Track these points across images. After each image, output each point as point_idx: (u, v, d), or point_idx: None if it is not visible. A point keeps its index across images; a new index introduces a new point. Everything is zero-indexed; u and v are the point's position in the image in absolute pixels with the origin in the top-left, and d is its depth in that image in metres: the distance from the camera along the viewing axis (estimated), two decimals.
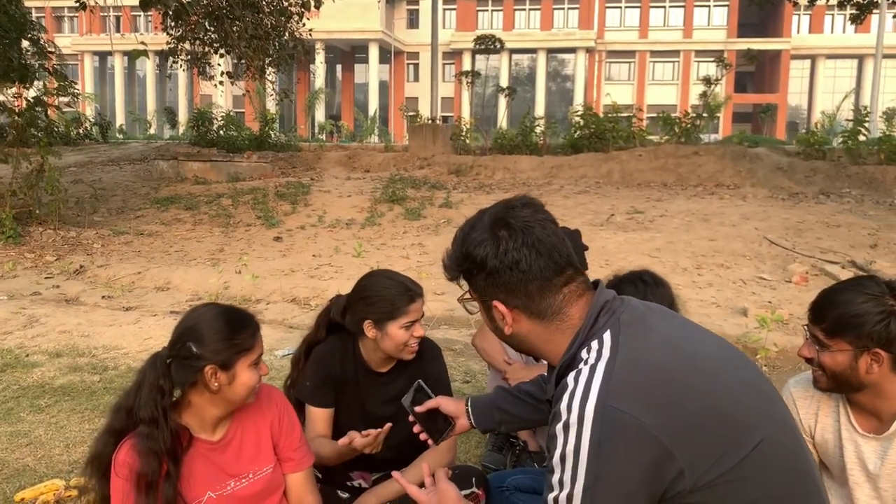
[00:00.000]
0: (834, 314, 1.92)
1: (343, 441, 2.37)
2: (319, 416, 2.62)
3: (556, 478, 1.38)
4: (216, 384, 1.95)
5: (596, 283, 1.59)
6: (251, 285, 7.07)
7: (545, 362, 3.27)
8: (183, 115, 38.58)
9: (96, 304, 6.86)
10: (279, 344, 5.36)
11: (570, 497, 1.36)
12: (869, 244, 8.67)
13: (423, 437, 2.13)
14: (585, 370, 1.41)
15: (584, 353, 1.46)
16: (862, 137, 13.63)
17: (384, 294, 2.54)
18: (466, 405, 2.15)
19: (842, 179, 12.67)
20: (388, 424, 2.38)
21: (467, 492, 2.51)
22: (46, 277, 7.95)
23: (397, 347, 2.53)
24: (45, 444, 3.57)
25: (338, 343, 2.70)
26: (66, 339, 5.46)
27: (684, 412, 1.35)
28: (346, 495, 2.60)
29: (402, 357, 2.57)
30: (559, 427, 1.39)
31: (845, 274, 7.39)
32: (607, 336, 1.46)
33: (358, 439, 2.35)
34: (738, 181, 12.87)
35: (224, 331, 1.96)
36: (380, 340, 2.54)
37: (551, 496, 1.40)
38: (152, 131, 36.36)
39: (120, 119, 42.93)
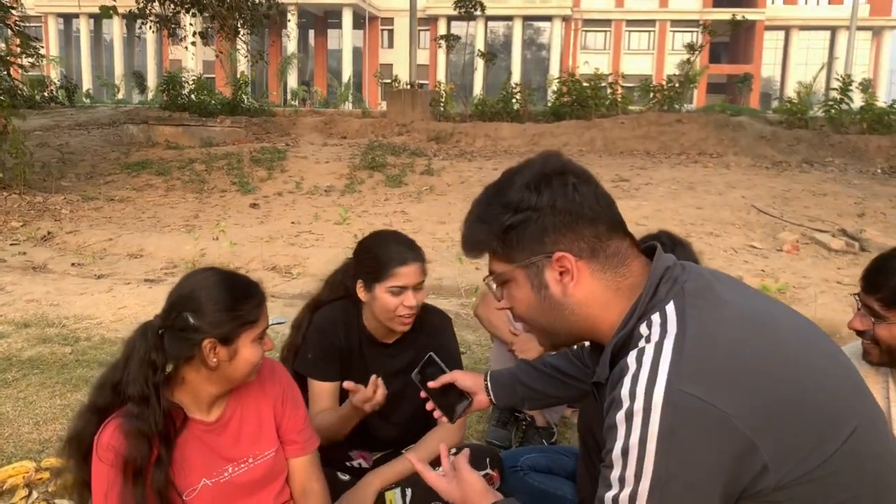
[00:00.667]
0: (892, 283, 1.76)
1: (347, 384, 2.17)
2: (324, 391, 2.39)
3: (615, 474, 1.16)
4: (215, 360, 1.72)
5: (651, 249, 1.35)
6: (229, 252, 6.79)
7: None
8: (152, 80, 37.61)
9: (66, 272, 6.54)
10: None
11: (633, 496, 1.14)
12: (856, 213, 8.61)
13: (436, 414, 1.90)
14: (650, 349, 1.17)
15: (643, 329, 1.23)
16: (845, 106, 13.55)
17: (374, 251, 2.32)
18: (485, 380, 1.94)
19: (825, 148, 12.61)
20: (377, 379, 2.18)
21: (481, 473, 2.32)
22: (12, 244, 7.59)
23: (386, 314, 2.29)
24: (13, 422, 3.31)
25: (341, 310, 2.47)
26: (34, 309, 5.16)
27: (769, 399, 1.12)
28: (346, 477, 2.40)
29: (394, 328, 2.33)
30: (620, 416, 1.15)
31: (836, 242, 7.31)
32: (671, 308, 1.22)
33: (359, 395, 2.15)
34: (721, 150, 12.76)
35: (226, 300, 1.72)
36: (371, 305, 2.32)
37: (609, 495, 1.17)
38: (121, 96, 35.36)
39: (87, 83, 41.72)
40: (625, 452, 1.14)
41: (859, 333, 1.87)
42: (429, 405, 1.91)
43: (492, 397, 1.93)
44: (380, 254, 2.30)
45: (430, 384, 1.89)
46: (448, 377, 1.89)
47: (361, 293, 2.34)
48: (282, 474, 1.98)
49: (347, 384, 2.18)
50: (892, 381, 1.94)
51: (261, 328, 1.77)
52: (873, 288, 1.81)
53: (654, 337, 1.19)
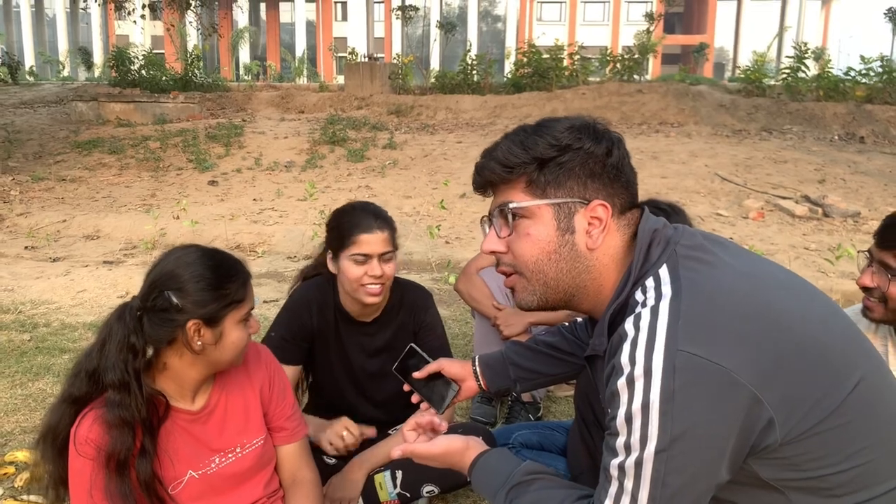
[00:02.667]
0: None
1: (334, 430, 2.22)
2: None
3: (620, 441, 1.12)
4: (200, 343, 1.60)
5: (641, 208, 1.33)
6: (190, 232, 6.59)
7: None
8: (98, 56, 36.45)
9: (19, 255, 6.27)
10: None
11: (638, 462, 1.10)
12: (817, 179, 8.71)
13: (423, 406, 1.78)
14: (646, 313, 1.14)
15: (638, 295, 1.20)
16: (802, 75, 13.69)
17: (339, 220, 2.24)
18: (473, 365, 1.82)
19: (783, 116, 12.74)
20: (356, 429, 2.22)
21: None
22: None
23: (351, 285, 2.20)
24: None
25: (315, 289, 2.38)
26: None
27: (771, 350, 1.09)
28: (332, 461, 2.32)
29: (361, 300, 2.23)
30: (622, 382, 1.12)
31: (800, 209, 7.39)
32: (664, 271, 1.19)
33: (335, 438, 2.19)
34: (681, 119, 12.81)
35: (210, 278, 1.60)
36: (340, 278, 2.25)
37: (615, 462, 1.14)
38: (66, 73, 34.17)
39: (30, 60, 40.21)
40: (629, 419, 1.11)
41: (866, 290, 1.85)
42: (414, 398, 1.80)
43: (482, 383, 1.80)
44: (344, 222, 2.23)
45: (416, 375, 1.76)
46: (434, 366, 1.76)
47: (330, 265, 2.27)
48: (271, 463, 1.88)
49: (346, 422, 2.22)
50: (891, 342, 1.92)
51: (247, 308, 1.67)
52: (890, 243, 1.79)
53: (650, 301, 1.17)
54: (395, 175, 9.40)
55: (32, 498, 2.44)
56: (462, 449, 1.46)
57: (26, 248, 6.54)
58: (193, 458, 1.72)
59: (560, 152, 1.26)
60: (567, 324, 1.93)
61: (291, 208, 7.88)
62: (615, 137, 1.30)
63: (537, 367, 1.85)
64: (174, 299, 1.58)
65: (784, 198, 7.86)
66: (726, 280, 1.17)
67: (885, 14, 14.88)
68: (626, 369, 1.12)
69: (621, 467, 1.13)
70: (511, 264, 1.34)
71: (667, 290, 1.16)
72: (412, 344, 1.84)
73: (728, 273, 1.19)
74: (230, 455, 1.77)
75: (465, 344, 3.96)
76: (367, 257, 2.18)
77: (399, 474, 2.23)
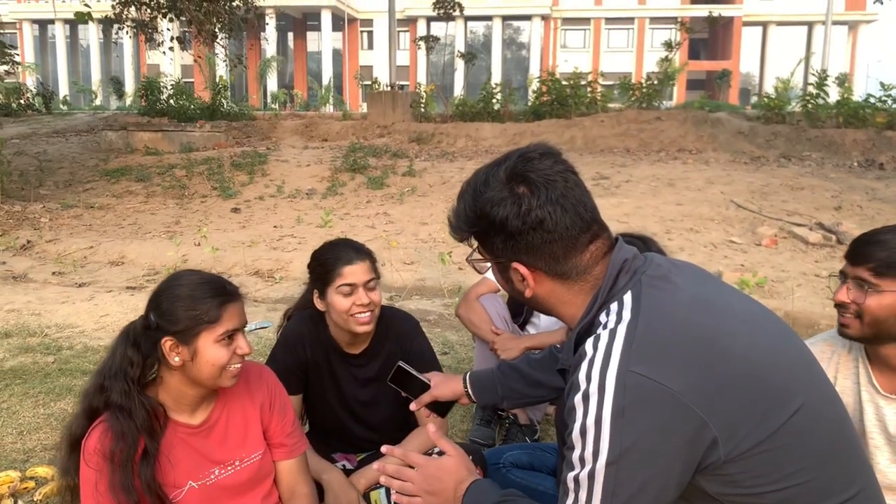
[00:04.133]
0: (883, 254, 1.80)
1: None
2: None
3: (576, 454, 1.23)
4: (177, 359, 1.75)
5: (616, 239, 1.44)
6: (211, 258, 6.78)
7: (535, 331, 3.12)
8: (130, 86, 37.32)
9: (46, 281, 6.50)
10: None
11: (591, 474, 1.21)
12: (833, 206, 8.71)
13: (425, 413, 2.02)
14: (605, 335, 1.25)
15: (602, 317, 1.31)
16: (822, 101, 13.70)
17: (320, 258, 2.38)
18: (465, 383, 2.00)
19: (802, 143, 12.74)
20: None
21: None
22: None
23: (342, 317, 2.33)
24: None
25: (307, 322, 2.51)
26: (14, 319, 5.13)
27: (716, 375, 1.20)
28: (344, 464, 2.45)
29: (353, 329, 2.35)
30: (578, 398, 1.23)
31: (813, 236, 7.41)
32: (628, 297, 1.30)
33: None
34: (700, 146, 12.87)
35: (185, 298, 1.75)
36: (329, 313, 2.37)
37: (571, 475, 1.24)
38: (98, 102, 35.08)
39: (63, 90, 41.31)
40: (583, 433, 1.22)
41: (841, 307, 1.90)
42: (413, 405, 1.97)
43: (472, 398, 1.99)
44: (325, 259, 2.35)
45: (412, 406, 1.99)
46: (428, 397, 1.98)
47: (318, 303, 2.39)
48: (269, 477, 2.00)
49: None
50: (861, 367, 1.98)
51: (223, 328, 1.76)
52: (863, 259, 1.84)
53: (610, 324, 1.27)
54: (413, 202, 9.57)
55: None
56: (455, 470, 1.51)
57: (54, 273, 6.77)
58: (194, 469, 1.85)
59: (479, 223, 1.40)
60: (558, 345, 2.06)
61: (310, 235, 8.06)
62: (535, 199, 1.34)
63: (522, 389, 2.01)
64: (152, 317, 1.75)
65: (798, 225, 7.88)
66: (682, 308, 1.28)
67: None
68: (583, 386, 1.23)
69: (576, 479, 1.23)
70: None
71: (627, 314, 1.27)
72: (399, 363, 1.99)
73: (685, 301, 1.30)
74: (229, 468, 1.90)
75: (471, 368, 4.06)
76: (352, 287, 2.30)
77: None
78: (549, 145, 1.44)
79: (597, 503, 1.21)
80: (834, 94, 14.70)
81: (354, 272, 2.31)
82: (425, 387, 2.00)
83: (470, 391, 1.99)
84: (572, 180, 1.37)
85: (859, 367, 1.98)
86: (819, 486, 1.25)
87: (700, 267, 1.49)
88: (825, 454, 1.27)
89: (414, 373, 1.99)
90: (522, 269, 1.39)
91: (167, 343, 1.74)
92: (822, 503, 1.25)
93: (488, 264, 1.48)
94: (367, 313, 2.33)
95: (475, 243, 1.46)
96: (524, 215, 1.33)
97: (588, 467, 1.21)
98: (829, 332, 2.09)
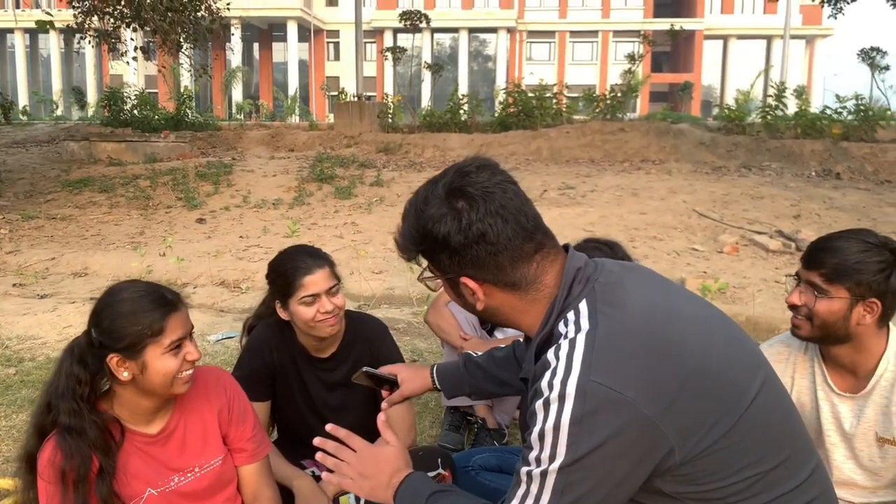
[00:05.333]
0: (834, 261, 1.87)
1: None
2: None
3: (533, 454, 1.28)
4: (126, 374, 1.72)
5: (566, 248, 1.47)
6: (176, 268, 6.72)
7: (503, 336, 3.16)
8: (92, 96, 36.80)
9: (6, 293, 6.39)
10: (210, 329, 5.08)
11: (544, 473, 1.26)
12: (792, 214, 8.93)
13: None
14: (565, 345, 1.29)
15: (561, 327, 1.35)
16: (780, 112, 14.04)
17: (279, 270, 2.36)
18: (432, 375, 2.03)
19: (762, 153, 13.03)
20: None
21: (433, 473, 2.37)
22: None
23: (307, 326, 2.33)
24: None
25: (273, 327, 2.50)
26: None
27: (671, 381, 1.25)
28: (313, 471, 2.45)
29: (321, 334, 2.36)
30: (539, 404, 1.28)
31: (774, 244, 7.58)
32: (583, 305, 1.34)
33: None
34: (662, 156, 13.09)
35: (126, 313, 1.70)
36: (294, 321, 2.37)
37: (525, 469, 1.29)
38: (59, 112, 34.48)
39: (23, 100, 40.60)
40: (541, 436, 1.26)
41: (794, 309, 1.96)
42: (383, 404, 2.00)
43: (439, 387, 2.03)
44: (286, 270, 2.34)
45: (383, 405, 1.97)
46: (398, 395, 2.00)
47: (282, 313, 2.38)
48: (231, 482, 1.98)
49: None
50: (817, 367, 2.05)
51: (168, 340, 1.72)
52: (817, 264, 1.90)
53: (570, 333, 1.31)
54: (382, 212, 9.59)
55: None
56: (393, 460, 1.55)
57: (14, 285, 6.66)
58: (152, 477, 1.83)
59: (423, 242, 1.41)
60: (520, 340, 2.11)
61: (277, 245, 8.00)
62: (476, 213, 1.35)
63: (488, 387, 2.04)
64: (94, 335, 1.72)
65: (759, 233, 8.06)
66: (636, 314, 1.33)
67: (857, 55, 15.33)
68: (545, 393, 1.27)
69: (529, 474, 1.28)
70: None
71: (584, 323, 1.31)
72: (365, 368, 2.01)
73: (639, 308, 1.34)
74: (189, 474, 1.89)
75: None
76: (315, 297, 2.29)
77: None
78: (485, 158, 1.45)
79: (545, 499, 1.26)
80: (792, 105, 15.07)
81: (316, 282, 2.30)
82: (393, 383, 2.02)
83: (438, 385, 2.02)
84: (511, 190, 1.38)
85: (815, 367, 2.05)
86: (772, 475, 1.31)
87: (650, 269, 1.54)
88: (776, 444, 1.33)
89: (378, 374, 2.01)
90: (471, 283, 1.41)
91: (113, 360, 1.70)
92: (775, 491, 1.31)
93: (439, 281, 1.49)
94: (333, 318, 2.34)
95: (424, 262, 1.47)
96: (465, 229, 1.34)
97: (543, 467, 1.26)
98: (785, 333, 2.15)
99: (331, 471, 1.57)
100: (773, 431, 1.33)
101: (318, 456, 1.57)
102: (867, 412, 1.96)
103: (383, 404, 2.02)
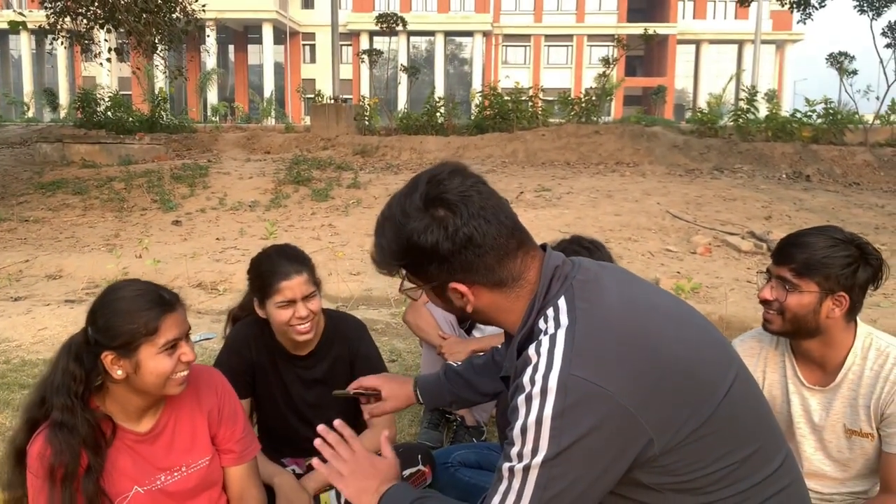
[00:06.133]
0: (803, 255, 1.92)
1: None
2: None
3: (515, 450, 1.30)
4: (120, 372, 1.73)
5: (544, 247, 1.51)
6: (153, 270, 6.67)
7: (480, 335, 3.20)
8: (64, 97, 36.34)
9: None
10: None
11: (526, 468, 1.28)
12: (763, 216, 9.08)
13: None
14: (546, 340, 1.33)
15: (541, 324, 1.39)
16: (752, 116, 14.26)
17: (258, 269, 2.37)
18: (415, 389, 2.07)
19: (734, 156, 13.23)
20: None
21: (413, 470, 2.41)
22: None
23: (281, 328, 2.36)
24: None
25: (253, 325, 2.52)
26: None
27: (649, 375, 1.29)
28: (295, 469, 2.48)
29: (293, 338, 2.39)
30: (521, 399, 1.30)
31: (745, 244, 7.71)
32: (562, 302, 1.38)
33: None
34: (636, 159, 13.23)
35: (122, 312, 1.72)
36: (271, 320, 2.38)
37: (507, 465, 1.31)
38: (30, 114, 34.00)
39: None
40: (523, 431, 1.29)
41: (765, 304, 2.01)
42: (366, 416, 2.07)
43: (422, 402, 2.07)
44: (264, 271, 2.35)
45: (366, 417, 2.07)
46: (379, 409, 2.04)
47: (259, 311, 2.40)
48: (218, 482, 2.00)
49: None
50: (787, 361, 2.11)
51: (163, 340, 1.73)
52: (787, 259, 1.95)
53: (550, 329, 1.35)
54: (359, 214, 9.59)
55: None
56: (385, 470, 1.59)
57: None
58: (139, 475, 1.84)
59: (409, 255, 1.40)
60: (499, 346, 2.15)
61: (254, 247, 7.94)
62: (457, 217, 1.36)
63: (467, 395, 2.09)
64: (90, 332, 1.74)
65: (731, 234, 8.19)
66: (613, 310, 1.37)
67: (825, 60, 15.63)
68: (527, 388, 1.30)
69: (511, 470, 1.30)
70: None
71: (564, 319, 1.35)
72: (335, 392, 2.07)
73: (616, 303, 1.38)
74: (176, 473, 1.90)
75: (419, 373, 4.11)
76: (290, 302, 2.31)
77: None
78: (453, 163, 1.46)
79: (528, 493, 1.29)
80: (763, 109, 15.31)
81: (292, 287, 2.30)
82: (377, 394, 2.06)
83: (420, 398, 2.06)
84: (485, 191, 1.40)
85: (785, 361, 2.10)
86: (746, 465, 1.36)
87: (625, 269, 1.59)
88: (749, 435, 1.38)
89: (351, 394, 2.05)
90: (461, 288, 1.41)
91: (108, 357, 1.72)
92: (749, 480, 1.36)
93: (421, 291, 1.50)
94: (307, 323, 2.35)
95: (403, 273, 1.47)
96: (452, 236, 1.35)
97: (525, 462, 1.28)
98: (756, 329, 2.20)
99: (324, 460, 1.60)
100: (746, 423, 1.38)
101: (317, 443, 1.60)
102: (836, 405, 2.01)
103: (365, 415, 2.06)
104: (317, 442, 1.61)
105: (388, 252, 1.42)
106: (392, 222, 1.41)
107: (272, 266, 2.33)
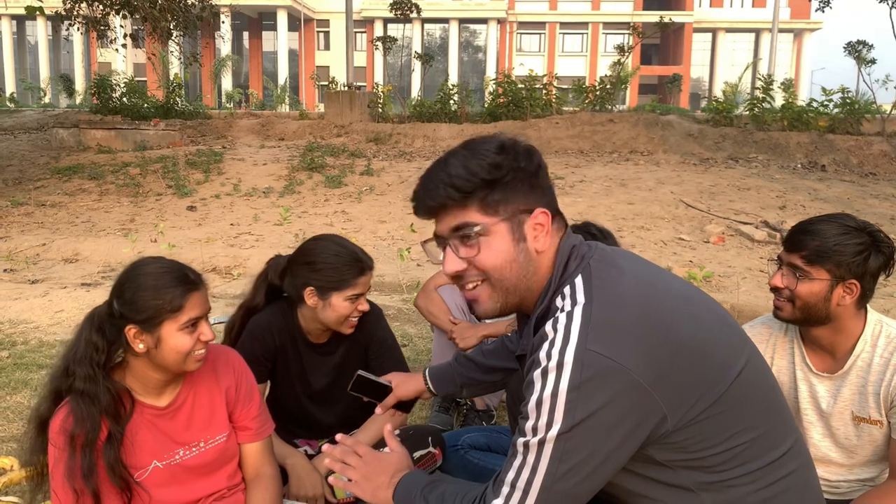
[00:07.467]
0: (814, 243, 1.92)
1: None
2: None
3: (529, 424, 1.32)
4: (142, 346, 1.78)
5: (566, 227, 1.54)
6: (168, 255, 6.71)
7: (490, 321, 3.23)
8: (80, 83, 36.53)
9: None
10: None
11: (542, 442, 1.30)
12: (778, 206, 9.03)
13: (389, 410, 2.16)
14: (563, 317, 1.34)
15: (558, 301, 1.40)
16: (767, 105, 14.14)
17: (332, 262, 2.37)
18: (425, 377, 2.12)
19: (749, 145, 13.13)
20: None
21: (423, 452, 2.44)
22: None
23: (338, 320, 2.40)
24: None
25: (276, 313, 2.55)
26: None
27: (665, 352, 1.31)
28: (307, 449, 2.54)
29: (341, 331, 2.45)
30: (537, 373, 1.32)
31: (759, 234, 7.67)
32: (579, 280, 1.39)
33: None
34: (651, 147, 13.16)
35: (148, 287, 1.77)
36: (320, 310, 2.41)
37: (521, 441, 1.33)
38: (47, 100, 34.23)
39: (10, 87, 40.28)
40: (538, 404, 1.30)
41: (776, 291, 2.02)
42: (378, 409, 2.12)
43: (434, 391, 2.13)
44: (339, 265, 2.37)
45: (378, 410, 2.12)
46: (392, 398, 2.10)
47: (312, 300, 2.39)
48: (234, 458, 2.05)
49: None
50: (796, 347, 2.12)
51: (186, 317, 1.78)
52: (798, 247, 1.96)
53: (567, 307, 1.36)
54: (372, 201, 9.63)
55: (10, 499, 2.59)
56: (395, 464, 1.63)
57: (5, 270, 6.66)
58: (158, 449, 1.90)
59: (502, 173, 1.39)
60: (509, 334, 2.18)
61: (268, 233, 8.06)
62: (535, 151, 1.46)
63: (479, 377, 2.12)
64: (115, 306, 1.78)
65: (745, 223, 8.16)
66: (629, 289, 1.38)
67: (843, 48, 15.46)
68: (543, 363, 1.31)
69: (526, 444, 1.32)
70: (476, 277, 1.46)
71: (581, 297, 1.36)
72: (360, 371, 2.09)
73: (632, 283, 1.40)
74: (194, 449, 1.95)
75: (430, 360, 4.14)
76: (360, 296, 2.39)
77: None
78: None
79: (543, 467, 1.30)
80: (779, 98, 15.18)
81: (366, 283, 2.40)
82: (387, 389, 2.10)
83: (431, 386, 2.10)
84: None
85: (794, 348, 2.11)
86: (756, 445, 1.38)
87: (638, 255, 1.60)
88: (760, 416, 1.40)
89: (374, 378, 2.08)
90: (547, 215, 1.43)
91: (131, 331, 1.76)
92: (759, 461, 1.38)
93: (439, 251, 1.49)
94: (358, 318, 2.44)
95: (456, 222, 1.42)
96: (533, 156, 1.43)
97: (540, 436, 1.30)
98: (766, 315, 2.21)
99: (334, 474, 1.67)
100: (757, 404, 1.40)
101: (327, 462, 1.66)
102: (844, 392, 2.02)
103: (378, 409, 2.11)
104: (326, 462, 1.67)
105: (468, 172, 1.38)
106: (470, 150, 1.42)
107: (351, 259, 2.37)
